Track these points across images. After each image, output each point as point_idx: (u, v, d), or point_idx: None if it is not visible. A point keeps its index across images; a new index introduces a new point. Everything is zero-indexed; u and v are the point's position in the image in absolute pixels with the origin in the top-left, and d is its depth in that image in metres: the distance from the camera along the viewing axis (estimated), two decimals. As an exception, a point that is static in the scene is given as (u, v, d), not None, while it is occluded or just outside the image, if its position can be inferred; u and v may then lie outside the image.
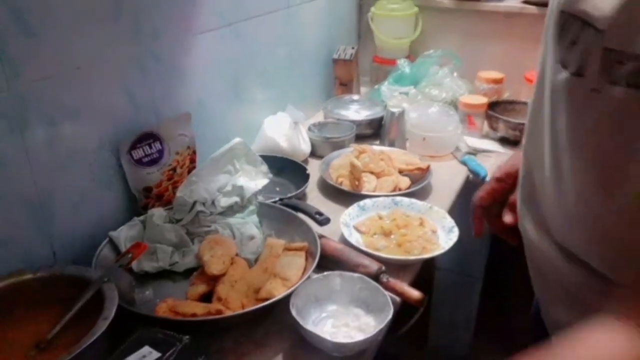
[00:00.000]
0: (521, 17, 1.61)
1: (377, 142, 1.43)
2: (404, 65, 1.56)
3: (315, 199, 1.19)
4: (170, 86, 1.04)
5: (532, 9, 1.59)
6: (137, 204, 0.99)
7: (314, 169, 1.27)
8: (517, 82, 1.59)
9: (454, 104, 1.50)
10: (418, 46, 1.73)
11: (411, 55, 1.72)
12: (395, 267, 0.93)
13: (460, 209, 1.21)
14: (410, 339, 1.66)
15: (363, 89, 1.75)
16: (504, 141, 1.45)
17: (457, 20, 1.70)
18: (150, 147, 0.98)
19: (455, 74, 1.57)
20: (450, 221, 1.02)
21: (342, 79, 1.64)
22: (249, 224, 0.98)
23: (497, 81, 1.58)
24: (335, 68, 1.63)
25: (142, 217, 0.95)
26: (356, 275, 0.83)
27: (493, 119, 1.45)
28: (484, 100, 1.47)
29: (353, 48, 1.61)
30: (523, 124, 1.42)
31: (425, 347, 1.76)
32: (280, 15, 1.35)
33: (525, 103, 1.54)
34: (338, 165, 1.26)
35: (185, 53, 1.06)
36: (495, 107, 1.50)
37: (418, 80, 1.57)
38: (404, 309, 0.84)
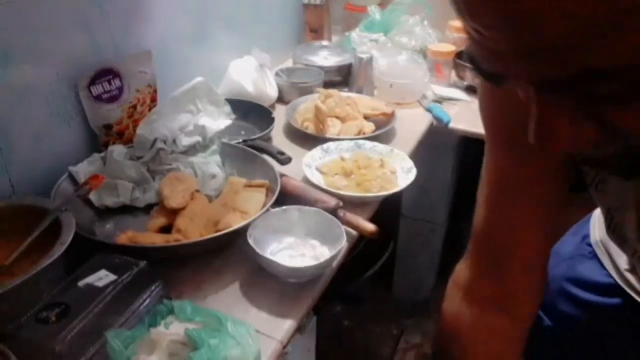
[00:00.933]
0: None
1: (346, 89, 1.44)
2: (374, 12, 1.55)
3: (280, 142, 1.20)
4: (130, 23, 1.02)
5: (504, -43, 1.57)
6: (97, 141, 0.99)
7: (280, 113, 1.27)
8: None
9: (423, 52, 1.50)
10: (389, -7, 1.71)
11: (382, 3, 1.70)
12: (354, 205, 0.95)
13: (422, 153, 1.24)
14: (375, 284, 1.72)
15: (334, 37, 1.73)
16: (470, 90, 1.46)
17: (429, -32, 1.67)
18: (110, 84, 0.96)
19: (425, 23, 1.56)
20: (409, 162, 1.05)
21: (313, 24, 1.62)
22: (210, 163, 0.99)
23: (466, 31, 1.58)
24: (306, 13, 1.60)
25: (102, 154, 0.95)
26: (313, 209, 0.85)
27: (460, 68, 1.46)
28: (452, 48, 1.48)
29: (324, -7, 1.59)
30: (489, 73, 1.44)
31: (390, 291, 1.83)
32: (247, -46, 1.32)
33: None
34: (304, 110, 1.26)
35: (146, -12, 1.04)
36: (464, 56, 1.51)
37: (388, 28, 1.56)
38: (371, 253, 0.87)
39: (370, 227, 0.84)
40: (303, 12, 1.60)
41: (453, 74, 1.50)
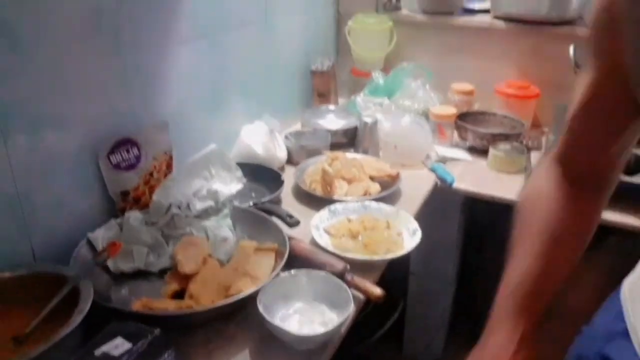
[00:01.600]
0: (491, 32, 1.69)
1: (352, 150, 1.49)
2: (378, 77, 1.63)
3: (289, 204, 1.24)
4: (149, 94, 1.09)
5: (501, 24, 1.66)
6: (115, 206, 1.04)
7: (289, 175, 1.32)
8: (488, 94, 1.66)
9: (425, 114, 1.56)
10: (393, 59, 1.80)
11: (386, 68, 1.78)
12: (361, 267, 0.98)
13: (428, 212, 1.27)
14: (385, 344, 1.71)
15: (341, 100, 1.81)
16: (473, 150, 1.51)
17: (430, 35, 1.77)
18: (128, 152, 1.02)
19: (427, 86, 1.63)
20: (414, 224, 1.08)
21: (320, 89, 1.70)
22: (222, 227, 1.03)
23: (467, 93, 1.64)
24: (314, 79, 1.69)
25: (119, 220, 0.99)
26: (322, 273, 0.88)
27: (462, 129, 1.51)
28: (453, 111, 1.54)
29: (330, 60, 1.67)
30: (490, 134, 1.50)
31: (400, 352, 1.81)
32: (258, 27, 1.41)
33: (493, 114, 1.61)
34: (312, 172, 1.31)
35: (165, 63, 1.11)
36: (465, 118, 1.57)
37: (392, 92, 1.63)
38: (380, 313, 0.89)
39: (377, 291, 0.87)
40: (311, 78, 1.68)
41: (455, 134, 1.55)
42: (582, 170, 0.66)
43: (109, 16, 0.95)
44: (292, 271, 0.89)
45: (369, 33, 1.75)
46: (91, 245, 0.94)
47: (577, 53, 1.40)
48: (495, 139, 1.46)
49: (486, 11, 1.74)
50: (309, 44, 1.70)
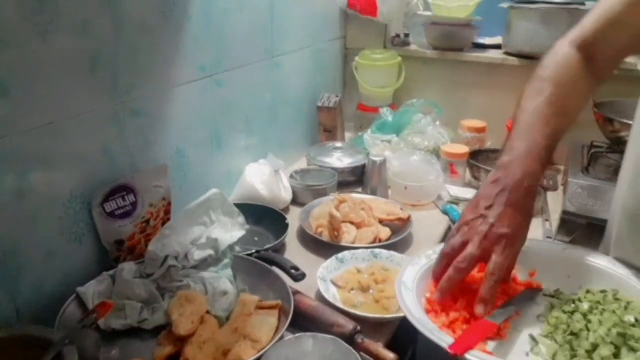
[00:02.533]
0: (503, 68, 1.64)
1: (360, 189, 1.43)
2: (386, 113, 1.58)
3: (294, 249, 1.18)
4: (147, 138, 1.03)
5: (514, 60, 1.62)
6: (108, 256, 0.97)
7: (294, 217, 1.26)
8: (499, 131, 1.60)
9: (436, 152, 1.50)
10: (401, 94, 1.76)
11: (394, 104, 1.74)
12: (371, 325, 0.90)
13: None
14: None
15: (348, 134, 1.76)
16: (486, 190, 1.44)
17: (439, 70, 1.73)
18: (124, 199, 0.96)
19: (437, 123, 1.58)
20: (428, 276, 1.01)
21: (326, 125, 1.65)
22: (222, 278, 0.96)
23: (479, 130, 1.59)
24: (320, 115, 1.64)
25: (111, 272, 0.93)
26: (329, 336, 0.80)
27: (475, 168, 1.45)
28: (465, 148, 1.48)
29: (337, 96, 1.63)
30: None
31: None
32: (263, 65, 1.37)
33: (507, 152, 1.55)
34: (318, 214, 1.25)
35: (164, 105, 1.06)
36: (478, 156, 1.51)
37: (400, 129, 1.58)
38: None
39: (389, 356, 0.79)
40: (317, 113, 1.63)
41: (468, 173, 1.49)
42: (595, 58, 0.80)
43: (105, 57, 0.90)
44: (297, 334, 0.81)
45: (376, 69, 1.71)
46: (80, 301, 0.88)
47: (596, 91, 1.34)
48: (510, 179, 1.39)
49: (497, 46, 1.70)
50: (315, 80, 1.66)
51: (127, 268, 0.93)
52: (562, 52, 0.83)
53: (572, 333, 0.65)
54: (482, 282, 0.70)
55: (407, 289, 0.71)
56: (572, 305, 0.72)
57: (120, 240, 0.97)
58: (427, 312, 0.70)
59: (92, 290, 0.89)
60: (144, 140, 1.02)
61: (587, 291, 0.75)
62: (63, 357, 0.71)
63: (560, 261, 0.82)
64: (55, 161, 0.86)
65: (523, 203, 0.72)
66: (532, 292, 0.77)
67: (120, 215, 0.96)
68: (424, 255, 0.80)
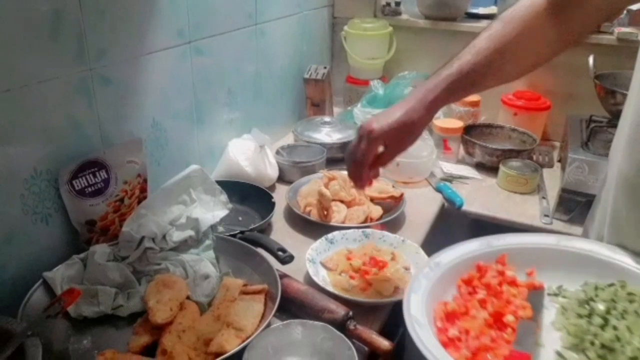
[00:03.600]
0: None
1: (349, 166, 1.36)
2: (377, 86, 1.50)
3: (280, 229, 1.11)
4: (120, 109, 0.95)
5: (509, 30, 1.54)
6: (78, 238, 0.90)
7: (281, 195, 1.19)
8: (494, 105, 1.55)
9: (429, 127, 1.43)
10: (392, 67, 1.68)
11: (385, 77, 1.66)
12: (364, 309, 0.85)
13: (433, 234, 1.15)
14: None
15: (337, 109, 1.69)
16: (480, 167, 1.39)
17: (432, 41, 1.65)
18: (95, 176, 0.88)
19: (430, 96, 1.51)
20: (423, 257, 0.95)
21: (314, 99, 1.57)
22: (204, 261, 0.89)
23: (473, 104, 1.53)
24: (307, 88, 1.56)
25: (82, 255, 0.85)
26: (319, 323, 0.74)
27: (469, 144, 1.39)
28: (459, 124, 1.42)
29: (325, 68, 1.55)
30: (500, 150, 1.38)
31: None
32: (246, 32, 1.28)
33: (501, 127, 1.49)
34: (306, 193, 1.18)
35: (138, 73, 0.97)
36: (472, 131, 1.45)
37: (392, 102, 1.49)
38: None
39: (384, 344, 0.74)
40: (304, 86, 1.55)
41: (461, 149, 1.43)
42: (569, 15, 0.74)
43: (68, 18, 0.81)
44: (285, 322, 0.75)
45: (366, 39, 1.63)
46: (48, 287, 0.80)
47: (596, 63, 1.28)
48: (506, 155, 1.34)
49: (492, 16, 1.63)
50: (302, 50, 1.57)
51: (100, 251, 0.85)
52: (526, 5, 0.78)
53: (603, 346, 0.59)
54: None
55: (421, 325, 0.61)
56: (587, 306, 0.66)
57: (92, 221, 0.89)
58: (445, 346, 0.62)
59: (60, 276, 0.82)
60: (116, 111, 0.94)
61: (596, 287, 0.69)
62: (25, 351, 0.64)
63: (557, 255, 0.76)
64: (14, 133, 0.77)
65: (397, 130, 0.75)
66: (537, 294, 0.71)
67: (91, 194, 0.88)
68: (422, 276, 0.70)
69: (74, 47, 0.83)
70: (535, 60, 0.79)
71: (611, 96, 1.24)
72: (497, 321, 0.65)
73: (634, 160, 0.71)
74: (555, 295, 0.72)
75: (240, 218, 1.13)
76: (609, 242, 0.78)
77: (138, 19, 0.95)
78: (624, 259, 0.73)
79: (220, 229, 1.04)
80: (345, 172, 1.21)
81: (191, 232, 0.92)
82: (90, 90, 0.88)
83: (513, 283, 0.72)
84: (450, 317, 0.65)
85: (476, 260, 0.74)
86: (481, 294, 0.69)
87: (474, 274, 0.72)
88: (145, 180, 0.96)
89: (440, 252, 0.75)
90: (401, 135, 0.76)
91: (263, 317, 0.77)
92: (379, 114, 0.78)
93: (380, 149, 0.78)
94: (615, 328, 0.60)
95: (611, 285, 0.69)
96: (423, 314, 0.62)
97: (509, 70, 0.78)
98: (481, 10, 1.68)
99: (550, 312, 0.69)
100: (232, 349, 0.69)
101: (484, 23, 1.60)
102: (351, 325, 0.77)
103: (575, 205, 1.15)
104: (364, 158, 0.77)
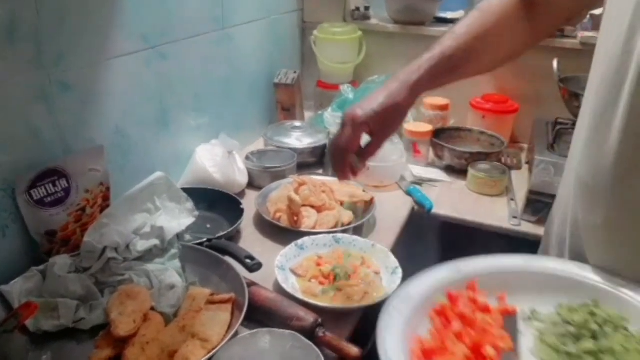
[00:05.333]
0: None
1: (321, 171, 1.36)
2: (347, 91, 1.50)
3: (250, 236, 1.09)
4: (81, 116, 0.92)
5: (476, 35, 1.56)
6: (38, 249, 0.86)
7: (250, 202, 1.17)
8: (463, 109, 1.56)
9: (398, 131, 1.44)
10: (363, 71, 1.68)
11: (355, 81, 1.66)
12: (334, 316, 0.84)
13: (404, 238, 1.15)
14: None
15: (308, 114, 1.68)
16: (450, 170, 1.40)
17: (402, 45, 1.66)
18: (55, 185, 0.85)
19: (400, 100, 1.51)
20: (393, 261, 0.95)
21: (285, 104, 1.56)
22: (169, 270, 0.87)
23: (442, 108, 1.54)
24: (277, 92, 1.55)
25: (41, 267, 0.82)
26: (287, 332, 0.73)
27: (438, 147, 1.40)
28: (428, 127, 1.42)
29: (295, 72, 1.54)
30: (468, 153, 1.39)
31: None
32: (214, 37, 1.26)
33: (470, 130, 1.51)
34: (276, 199, 1.17)
35: (100, 79, 0.95)
36: (441, 135, 1.46)
37: (362, 106, 1.50)
38: None
39: (353, 351, 0.73)
40: (274, 91, 1.54)
41: (431, 152, 1.44)
42: (538, 10, 0.77)
43: (25, 23, 0.78)
44: (252, 331, 0.74)
45: (336, 43, 1.63)
46: (5, 301, 0.77)
47: (561, 67, 1.30)
48: (475, 157, 1.35)
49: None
50: (271, 55, 1.56)
51: (60, 262, 0.83)
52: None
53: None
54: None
55: None
56: (563, 329, 0.65)
57: (52, 231, 0.86)
58: None
59: (18, 289, 0.79)
60: (77, 118, 0.91)
61: (569, 309, 0.68)
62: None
63: (527, 277, 0.74)
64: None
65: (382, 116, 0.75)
66: (511, 320, 0.69)
67: (51, 203, 0.85)
68: (394, 310, 0.66)
69: (30, 52, 0.81)
70: (510, 51, 0.82)
71: (575, 99, 1.27)
72: (477, 355, 0.62)
73: (591, 164, 0.71)
74: (529, 319, 0.70)
75: (208, 225, 1.11)
76: (571, 248, 0.78)
77: (99, 23, 0.92)
78: (594, 277, 0.72)
79: (188, 237, 1.02)
80: (315, 177, 1.22)
81: (156, 241, 0.90)
82: (49, 96, 0.85)
83: (486, 310, 0.69)
84: (428, 354, 0.62)
85: (446, 287, 0.71)
86: (456, 325, 0.66)
87: (446, 303, 0.69)
88: (108, 189, 0.94)
89: (408, 281, 0.72)
90: (387, 120, 0.75)
91: (230, 327, 0.75)
92: (361, 101, 0.76)
93: (366, 138, 0.76)
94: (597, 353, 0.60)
95: (585, 305, 0.68)
96: (400, 354, 0.59)
97: (486, 60, 0.80)
98: (449, 15, 1.70)
99: (526, 339, 0.67)
100: (197, 361, 0.67)
101: (451, 27, 1.63)
102: (320, 332, 0.76)
103: (542, 207, 1.17)
104: (348, 145, 0.75)
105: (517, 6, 0.79)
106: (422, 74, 0.75)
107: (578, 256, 0.76)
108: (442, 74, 0.77)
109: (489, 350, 0.62)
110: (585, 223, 0.74)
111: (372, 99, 0.75)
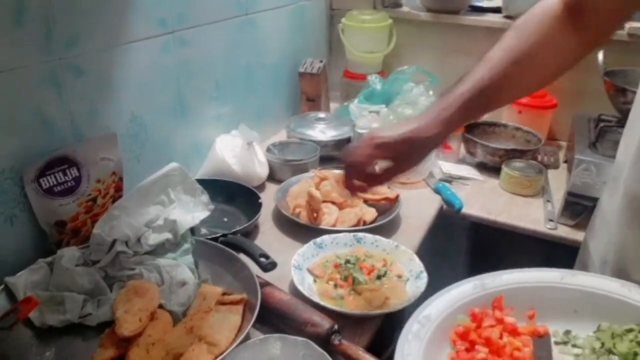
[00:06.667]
0: (502, 33, 1.49)
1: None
2: (375, 81, 1.43)
3: (268, 232, 1.05)
4: (94, 102, 0.88)
5: (514, 24, 1.47)
6: (48, 240, 0.84)
7: (270, 195, 1.13)
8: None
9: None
10: (392, 61, 1.61)
11: (384, 71, 1.59)
12: (353, 322, 0.79)
13: (432, 245, 1.08)
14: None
15: (333, 105, 1.62)
16: (482, 167, 1.32)
17: (434, 35, 1.58)
18: (65, 174, 0.82)
19: (431, 93, 1.44)
20: (418, 264, 0.89)
21: (309, 94, 1.50)
22: (181, 266, 0.83)
23: (475, 101, 1.45)
24: (302, 82, 1.49)
25: (49, 259, 0.79)
26: (300, 339, 0.68)
27: (471, 143, 1.32)
28: (461, 121, 1.34)
29: (321, 61, 1.48)
30: (503, 150, 1.31)
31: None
32: (236, 22, 1.21)
33: (504, 125, 1.42)
34: (296, 193, 1.12)
35: (115, 64, 0.91)
36: (474, 129, 1.38)
37: (390, 99, 1.43)
38: None
39: (371, 363, 0.67)
40: (299, 81, 1.48)
41: (462, 148, 1.36)
42: (586, 19, 0.69)
43: (35, 5, 0.75)
44: (262, 337, 0.69)
45: (365, 32, 1.56)
46: (10, 293, 0.75)
47: (606, 59, 1.21)
48: (509, 155, 1.27)
49: (496, 9, 1.56)
50: (296, 43, 1.50)
51: (68, 254, 0.79)
52: (545, 3, 0.73)
53: None
54: None
55: None
56: (605, 357, 0.57)
57: (62, 222, 0.83)
58: None
59: (24, 281, 0.76)
60: (90, 104, 0.88)
61: (612, 334, 0.60)
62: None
63: (561, 294, 0.66)
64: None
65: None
66: (542, 343, 0.62)
67: (61, 193, 0.82)
68: (412, 336, 0.59)
69: (41, 35, 0.77)
70: (558, 68, 0.74)
71: (621, 94, 1.17)
72: None
73: None
74: (564, 343, 0.63)
75: (225, 219, 1.06)
76: (613, 267, 0.71)
77: (114, 6, 0.88)
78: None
79: (204, 230, 0.98)
80: (338, 172, 1.17)
81: (168, 235, 0.86)
82: (60, 82, 0.82)
83: (514, 332, 0.63)
84: None
85: (469, 306, 0.65)
86: (481, 352, 0.60)
87: (469, 324, 0.63)
88: (120, 179, 0.90)
89: (428, 301, 0.65)
90: (406, 151, 0.71)
91: (240, 330, 0.71)
92: (391, 126, 0.75)
93: (386, 164, 0.73)
94: None
95: (630, 330, 0.60)
96: None
97: (528, 81, 0.73)
98: (485, 3, 1.61)
99: None
100: (203, 367, 0.63)
101: (488, 17, 1.54)
102: (336, 340, 0.71)
103: (582, 210, 1.08)
104: (357, 160, 0.73)
105: (560, 19, 0.70)
106: (453, 111, 0.69)
107: (622, 278, 0.68)
108: (477, 107, 0.71)
109: None
110: (636, 243, 0.66)
111: (398, 127, 0.72)
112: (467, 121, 0.73)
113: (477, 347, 0.60)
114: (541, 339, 0.62)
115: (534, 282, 0.68)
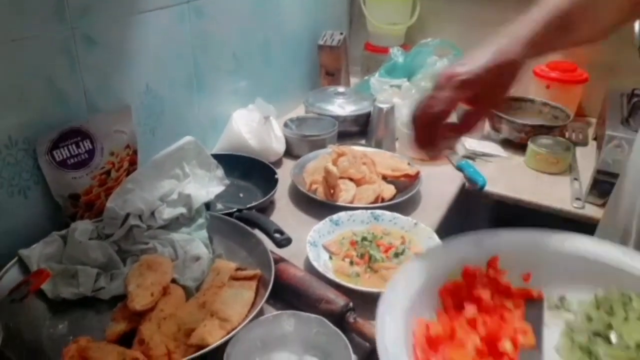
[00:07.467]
0: (532, 3, 1.43)
1: (363, 141, 1.27)
2: (397, 54, 1.39)
3: (283, 208, 1.03)
4: (107, 73, 0.87)
5: (545, -6, 1.40)
6: (62, 213, 0.83)
7: (286, 171, 1.11)
8: (525, 77, 1.41)
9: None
10: (415, 33, 1.56)
11: (407, 44, 1.54)
12: (367, 299, 0.76)
13: (452, 223, 1.05)
14: None
15: (353, 79, 1.58)
16: (507, 144, 1.28)
17: (459, 5, 1.51)
18: (78, 147, 0.81)
19: (454, 66, 1.38)
20: (437, 242, 0.86)
21: (329, 67, 1.46)
22: (195, 241, 0.82)
23: (501, 75, 1.40)
24: (321, 55, 1.45)
25: (63, 232, 0.79)
26: (313, 316, 0.66)
27: (495, 119, 1.27)
28: (485, 96, 1.29)
29: (341, 34, 1.44)
30: (529, 126, 1.26)
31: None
32: (254, -8, 1.18)
33: (532, 100, 1.37)
34: (313, 169, 1.09)
35: (129, 34, 0.89)
36: (499, 104, 1.33)
37: (413, 72, 1.39)
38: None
39: (387, 342, 0.65)
40: (318, 53, 1.44)
41: (487, 125, 1.32)
42: None
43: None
44: (275, 313, 0.67)
45: (387, 2, 1.51)
46: (24, 265, 0.74)
47: (644, 29, 1.13)
48: (536, 131, 1.22)
49: (527, -22, 1.48)
50: (316, 14, 1.45)
51: (82, 228, 0.79)
52: None
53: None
54: None
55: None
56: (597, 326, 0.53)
57: (75, 195, 0.83)
58: None
59: (37, 253, 0.75)
60: (103, 75, 0.86)
61: (608, 303, 0.56)
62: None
63: (561, 258, 0.62)
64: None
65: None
66: (535, 307, 0.58)
67: (74, 165, 0.81)
68: (400, 287, 0.56)
69: (52, 3, 0.75)
70: (617, 16, 0.64)
71: (659, 67, 1.10)
72: (491, 349, 0.53)
73: None
74: (557, 308, 0.59)
75: (241, 194, 1.05)
76: (636, 243, 0.66)
77: (127, -27, 0.86)
78: None
79: (219, 206, 0.97)
80: (356, 147, 1.14)
81: (183, 210, 0.85)
82: (73, 52, 0.80)
83: (507, 292, 0.59)
84: (434, 343, 0.52)
85: (463, 263, 0.60)
86: (470, 311, 0.56)
87: (460, 280, 0.59)
88: (135, 152, 0.89)
89: (422, 252, 0.62)
90: (496, 81, 0.59)
91: (253, 306, 0.70)
92: (460, 60, 0.60)
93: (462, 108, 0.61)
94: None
95: (625, 294, 0.56)
96: (401, 339, 0.50)
97: (601, 20, 0.63)
98: (515, -28, 1.53)
99: (552, 332, 0.56)
100: (215, 342, 0.62)
101: (517, -14, 1.46)
102: (351, 317, 0.69)
103: (610, 188, 1.02)
104: (443, 112, 0.59)
105: None
106: (537, 28, 0.58)
107: None
108: (558, 31, 0.60)
109: (506, 346, 0.52)
110: None
111: (475, 57, 0.59)
112: (547, 48, 0.61)
113: (466, 305, 0.57)
114: (534, 303, 0.59)
115: (534, 244, 0.63)
